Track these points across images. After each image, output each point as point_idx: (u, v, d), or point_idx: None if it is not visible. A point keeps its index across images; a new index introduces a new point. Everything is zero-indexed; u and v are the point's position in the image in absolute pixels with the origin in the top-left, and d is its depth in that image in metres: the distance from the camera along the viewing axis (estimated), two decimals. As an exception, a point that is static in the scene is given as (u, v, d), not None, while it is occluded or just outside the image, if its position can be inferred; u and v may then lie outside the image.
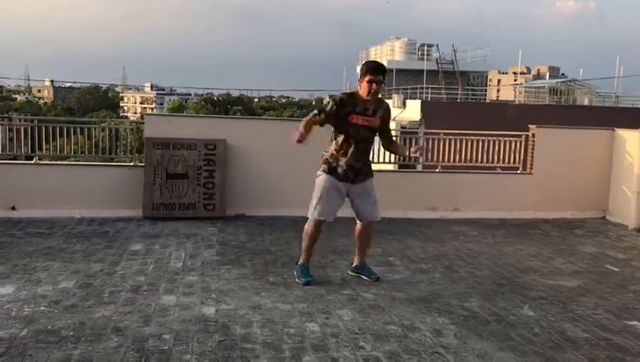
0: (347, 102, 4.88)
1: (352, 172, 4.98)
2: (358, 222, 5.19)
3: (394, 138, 5.56)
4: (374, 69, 4.85)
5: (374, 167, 8.62)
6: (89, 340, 3.74)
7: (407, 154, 5.37)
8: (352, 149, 4.92)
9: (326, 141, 5.10)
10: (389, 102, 27.56)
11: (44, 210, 7.26)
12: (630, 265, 6.21)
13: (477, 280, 5.41)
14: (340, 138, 4.93)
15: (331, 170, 4.97)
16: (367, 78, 4.82)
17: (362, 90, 4.88)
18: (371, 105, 4.93)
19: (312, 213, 5.03)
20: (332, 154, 4.98)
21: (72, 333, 3.83)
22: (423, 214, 8.06)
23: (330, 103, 4.91)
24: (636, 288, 5.37)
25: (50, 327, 3.92)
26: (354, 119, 4.86)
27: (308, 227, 5.08)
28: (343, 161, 4.94)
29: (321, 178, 5.00)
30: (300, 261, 5.19)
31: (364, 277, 5.24)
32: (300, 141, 4.71)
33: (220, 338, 3.84)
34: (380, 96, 5.08)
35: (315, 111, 4.94)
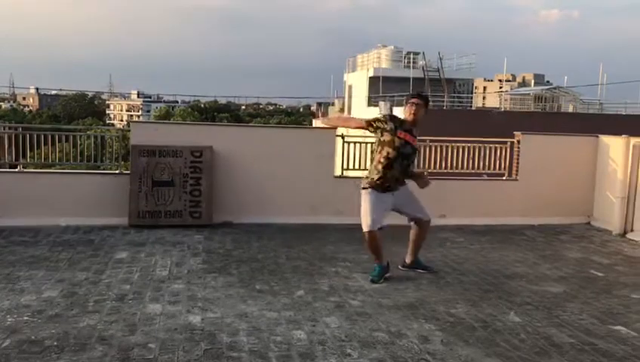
0: (395, 119, 5.53)
1: (395, 183, 5.50)
2: (413, 224, 5.77)
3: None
4: (412, 95, 5.65)
5: (362, 173, 8.64)
6: (73, 350, 3.70)
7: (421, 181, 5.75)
8: (396, 163, 5.41)
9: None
10: (375, 109, 27.72)
11: (29, 218, 7.18)
12: (614, 270, 6.27)
13: (463, 286, 5.44)
14: (386, 151, 5.41)
15: (373, 185, 5.45)
16: (409, 102, 5.55)
17: (406, 113, 5.53)
18: (414, 129, 5.54)
19: (365, 226, 5.47)
20: (376, 168, 5.45)
21: (55, 343, 3.79)
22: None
23: (382, 116, 5.60)
24: (620, 293, 5.42)
25: (33, 337, 3.88)
26: (401, 134, 5.43)
27: (366, 239, 5.54)
28: (388, 174, 5.41)
29: (366, 193, 5.49)
30: (376, 262, 5.62)
31: (420, 271, 5.79)
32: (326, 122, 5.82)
33: (206, 347, 3.82)
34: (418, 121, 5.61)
35: (369, 118, 5.60)
